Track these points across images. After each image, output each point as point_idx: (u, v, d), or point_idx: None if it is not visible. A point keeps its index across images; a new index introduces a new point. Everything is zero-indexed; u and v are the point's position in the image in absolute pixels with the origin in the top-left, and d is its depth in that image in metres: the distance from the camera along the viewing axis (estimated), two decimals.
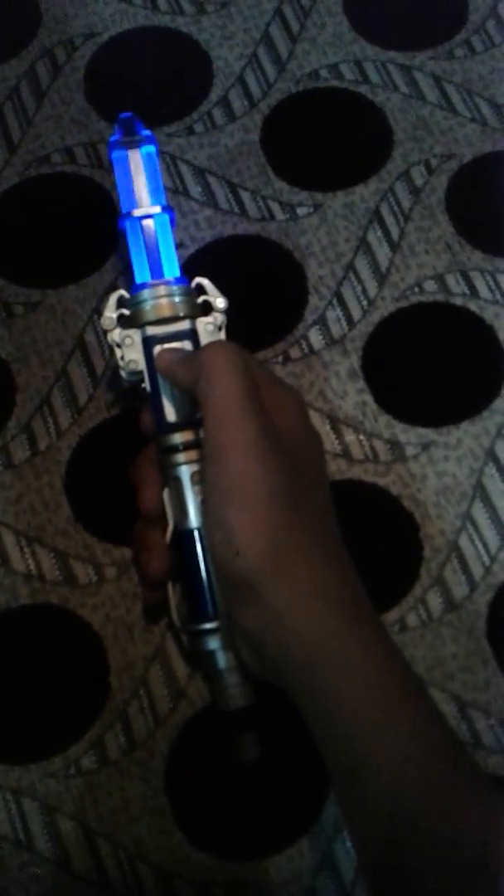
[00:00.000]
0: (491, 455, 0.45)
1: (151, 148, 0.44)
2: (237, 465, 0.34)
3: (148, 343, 0.40)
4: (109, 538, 0.43)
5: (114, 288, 0.46)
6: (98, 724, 0.40)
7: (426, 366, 0.47)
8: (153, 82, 0.53)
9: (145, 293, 0.40)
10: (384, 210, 0.50)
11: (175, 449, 0.39)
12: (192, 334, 0.40)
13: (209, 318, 0.40)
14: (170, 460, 0.39)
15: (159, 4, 0.55)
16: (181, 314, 0.40)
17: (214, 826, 0.39)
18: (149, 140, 0.44)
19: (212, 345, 0.38)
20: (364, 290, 0.48)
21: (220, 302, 0.41)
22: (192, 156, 0.51)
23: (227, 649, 0.37)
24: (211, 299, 0.41)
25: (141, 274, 0.42)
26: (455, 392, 0.46)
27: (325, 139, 0.52)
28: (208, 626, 0.37)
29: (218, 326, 0.41)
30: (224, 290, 0.41)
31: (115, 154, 0.44)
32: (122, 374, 0.41)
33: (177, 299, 0.40)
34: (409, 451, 0.45)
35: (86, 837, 0.39)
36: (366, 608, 0.34)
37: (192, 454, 0.38)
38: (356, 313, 0.48)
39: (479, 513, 0.44)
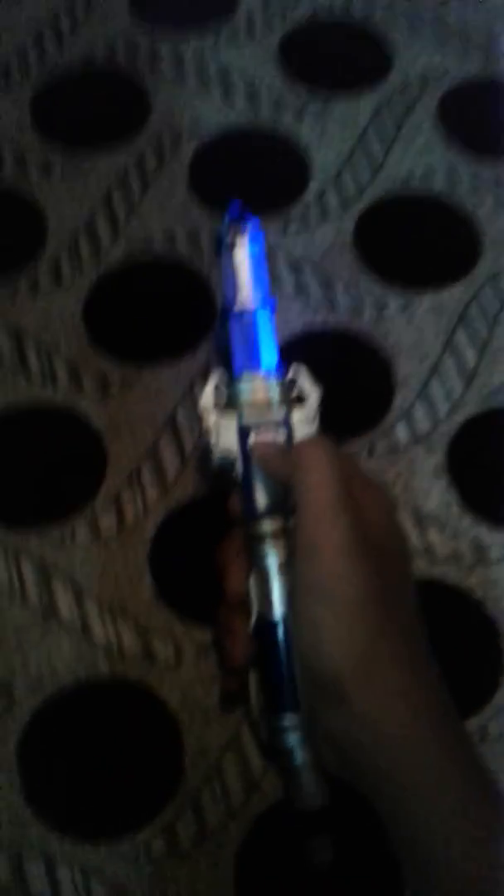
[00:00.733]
0: None
1: (260, 239, 0.46)
2: (331, 566, 0.34)
3: (243, 431, 0.41)
4: (191, 617, 0.43)
5: (206, 370, 0.47)
6: (170, 807, 0.40)
7: None
8: (253, 176, 0.56)
9: (243, 382, 0.41)
10: (472, 312, 0.52)
11: (263, 537, 0.39)
12: (287, 424, 0.41)
13: (303, 409, 0.41)
14: (257, 548, 0.39)
15: (262, 111, 0.58)
16: (276, 404, 0.41)
17: None
18: (256, 228, 0.46)
19: (309, 441, 0.39)
20: (451, 390, 0.49)
21: (314, 394, 0.42)
22: (287, 250, 0.53)
23: (305, 746, 0.36)
24: (306, 390, 0.42)
25: (240, 364, 0.44)
26: None
27: (417, 241, 0.54)
28: (288, 721, 0.37)
29: (311, 417, 0.41)
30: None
31: (224, 245, 0.46)
32: (213, 458, 0.42)
33: (273, 390, 0.41)
34: (494, 553, 0.45)
35: None
36: (452, 716, 0.34)
37: (280, 543, 0.39)
38: (442, 411, 0.49)
39: None
